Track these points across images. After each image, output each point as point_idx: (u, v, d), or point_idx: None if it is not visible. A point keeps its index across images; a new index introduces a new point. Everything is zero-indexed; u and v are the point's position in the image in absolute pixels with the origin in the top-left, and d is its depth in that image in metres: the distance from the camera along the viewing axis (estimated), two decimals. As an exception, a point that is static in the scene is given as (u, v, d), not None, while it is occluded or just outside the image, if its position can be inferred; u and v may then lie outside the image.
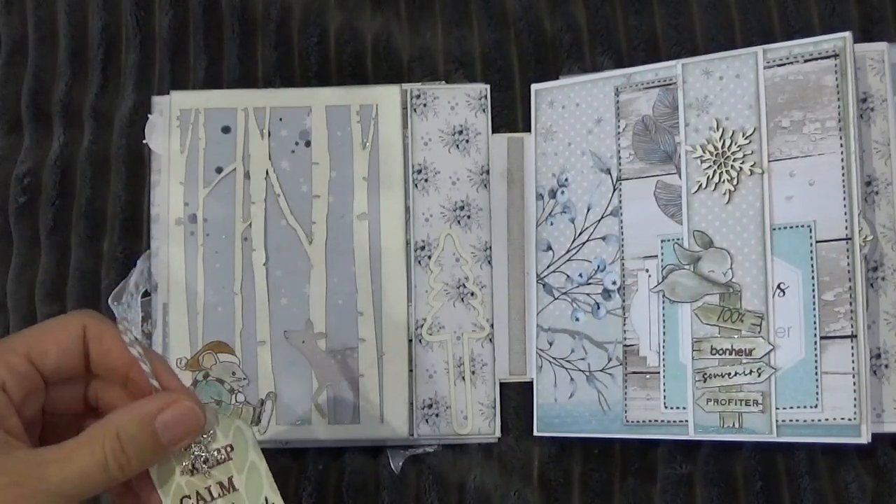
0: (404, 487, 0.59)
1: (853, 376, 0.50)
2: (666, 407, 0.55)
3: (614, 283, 0.57)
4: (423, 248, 0.60)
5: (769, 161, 0.53)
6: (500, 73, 0.62)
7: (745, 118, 0.54)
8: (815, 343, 0.51)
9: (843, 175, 0.52)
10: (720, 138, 0.55)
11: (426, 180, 0.60)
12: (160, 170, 0.61)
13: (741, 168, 0.54)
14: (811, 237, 0.52)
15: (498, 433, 0.59)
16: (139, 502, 0.41)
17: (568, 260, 0.59)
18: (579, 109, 0.59)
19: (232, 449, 0.41)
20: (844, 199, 0.51)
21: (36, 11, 0.65)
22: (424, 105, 0.61)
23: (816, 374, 0.51)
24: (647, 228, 0.56)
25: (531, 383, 0.59)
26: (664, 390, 0.55)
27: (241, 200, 0.60)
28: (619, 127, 0.58)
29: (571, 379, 0.58)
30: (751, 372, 0.52)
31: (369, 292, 0.59)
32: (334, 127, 0.61)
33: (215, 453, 0.41)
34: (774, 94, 0.54)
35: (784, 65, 0.54)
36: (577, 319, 0.58)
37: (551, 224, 0.59)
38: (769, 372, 0.52)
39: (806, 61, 0.53)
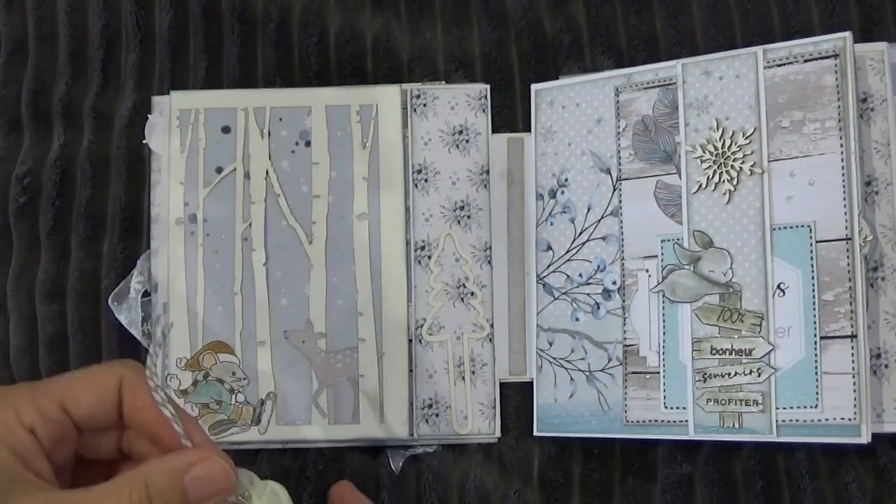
0: (404, 487, 0.59)
1: (853, 376, 0.50)
2: (666, 407, 0.55)
3: (614, 283, 0.57)
4: (423, 248, 0.60)
5: (769, 161, 0.53)
6: (500, 73, 0.62)
7: (745, 118, 0.54)
8: (815, 343, 0.51)
9: (843, 175, 0.52)
10: (720, 138, 0.55)
11: (426, 180, 0.60)
12: (160, 170, 0.61)
13: (741, 168, 0.54)
14: (811, 237, 0.52)
15: (498, 433, 0.59)
16: None
17: (568, 260, 0.59)
18: (579, 109, 0.59)
19: None
20: (844, 199, 0.51)
21: (36, 11, 0.65)
22: (424, 105, 0.61)
23: (816, 374, 0.51)
24: (647, 228, 0.56)
25: (531, 383, 0.59)
26: (664, 390, 0.55)
27: (241, 200, 0.60)
28: (619, 127, 0.58)
29: (571, 379, 0.58)
30: (751, 372, 0.52)
31: (369, 292, 0.59)
32: (334, 127, 0.61)
33: None
34: (774, 94, 0.54)
35: (784, 65, 0.54)
36: (577, 319, 0.58)
37: (551, 224, 0.59)
38: (769, 372, 0.52)
39: (806, 61, 0.53)
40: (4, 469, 0.37)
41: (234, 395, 0.59)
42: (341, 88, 0.61)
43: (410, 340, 0.59)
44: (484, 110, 0.61)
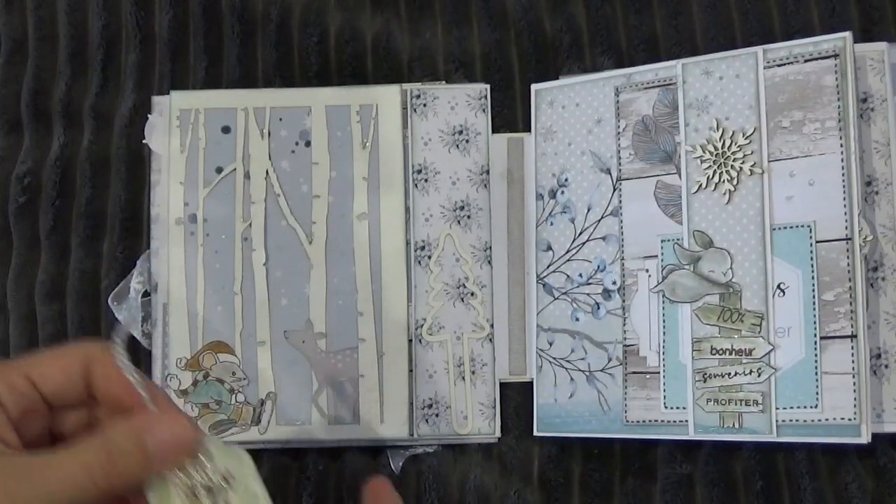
0: (404, 487, 0.58)
1: (853, 376, 0.50)
2: (666, 407, 0.55)
3: (614, 283, 0.57)
4: (423, 248, 0.60)
5: (769, 161, 0.53)
6: (500, 73, 0.62)
7: (745, 118, 0.54)
8: (815, 343, 0.51)
9: (843, 175, 0.52)
10: (720, 138, 0.55)
11: (426, 180, 0.60)
12: (160, 170, 0.61)
13: (741, 168, 0.54)
14: (811, 237, 0.52)
15: (498, 433, 0.59)
16: None
17: (568, 260, 0.59)
18: (579, 109, 0.59)
19: (232, 477, 0.40)
20: (844, 199, 0.51)
21: (36, 11, 0.65)
22: (424, 105, 0.61)
23: (816, 374, 0.51)
24: (647, 228, 0.56)
25: (531, 383, 0.59)
26: (664, 390, 0.55)
27: (241, 200, 0.60)
28: (619, 127, 0.58)
29: (571, 379, 0.58)
30: (751, 372, 0.52)
31: (369, 292, 0.59)
32: (334, 127, 0.61)
33: (214, 480, 0.40)
34: (774, 94, 0.54)
35: (784, 65, 0.54)
36: (577, 319, 0.58)
37: (551, 224, 0.59)
38: (769, 372, 0.52)
39: (806, 61, 0.53)
40: None
41: (234, 395, 0.59)
42: (341, 88, 0.61)
43: (410, 340, 0.59)
44: (484, 110, 0.61)
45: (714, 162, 0.55)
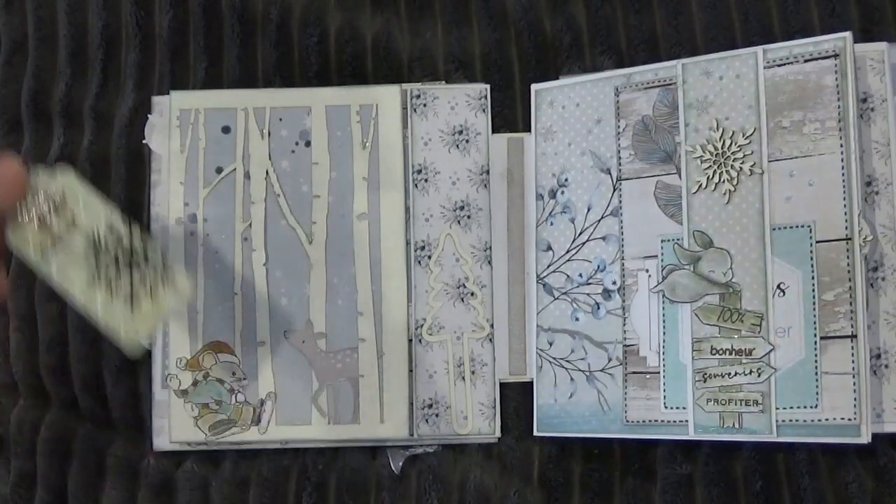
0: (404, 487, 0.59)
1: (853, 376, 0.50)
2: (666, 407, 0.55)
3: (614, 283, 0.57)
4: (423, 248, 0.60)
5: (769, 161, 0.53)
6: (500, 73, 0.62)
7: (745, 118, 0.54)
8: (815, 343, 0.51)
9: (843, 175, 0.52)
10: (720, 138, 0.55)
11: (426, 180, 0.60)
12: (160, 170, 0.61)
13: (741, 168, 0.54)
14: (811, 237, 0.52)
15: (498, 433, 0.59)
16: None
17: (568, 260, 0.59)
18: (579, 109, 0.59)
19: (64, 193, 0.47)
20: (844, 199, 0.51)
21: (36, 11, 0.65)
22: (424, 105, 0.61)
23: (816, 374, 0.51)
24: (647, 228, 0.56)
25: (531, 383, 0.59)
26: (664, 390, 0.55)
27: (241, 200, 0.60)
28: (619, 127, 0.58)
29: (571, 379, 0.58)
30: (751, 372, 0.52)
31: (369, 292, 0.59)
32: (334, 127, 0.61)
33: (55, 201, 0.47)
34: (774, 94, 0.54)
35: (784, 65, 0.54)
36: (577, 319, 0.58)
37: (551, 224, 0.59)
38: (769, 372, 0.52)
39: (806, 61, 0.53)
40: None
41: (234, 395, 0.59)
42: (341, 88, 0.61)
43: (410, 340, 0.59)
44: (484, 110, 0.61)
45: (714, 162, 0.55)
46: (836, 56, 0.52)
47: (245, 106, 0.61)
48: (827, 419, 0.50)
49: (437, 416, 0.59)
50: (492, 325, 0.60)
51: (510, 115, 0.62)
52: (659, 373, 0.55)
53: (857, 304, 0.51)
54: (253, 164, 0.60)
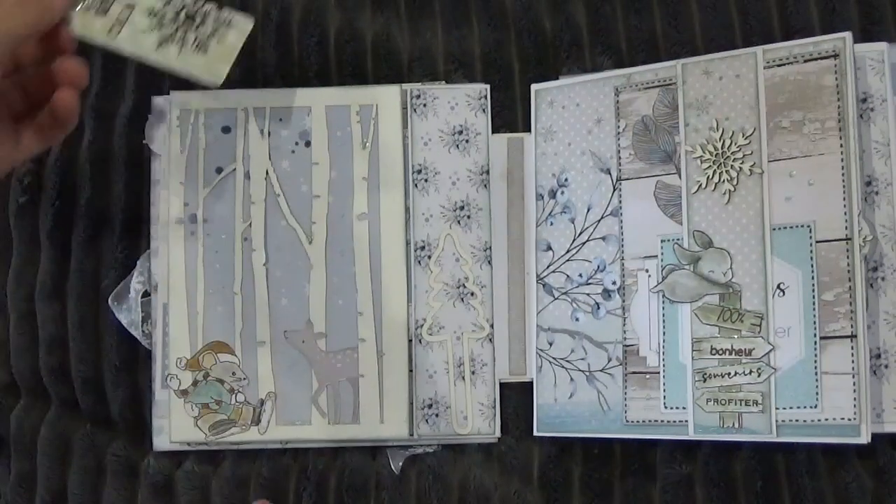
0: (404, 487, 0.59)
1: (853, 376, 0.50)
2: (666, 407, 0.55)
3: (614, 283, 0.57)
4: (423, 248, 0.60)
5: (769, 161, 0.53)
6: (500, 73, 0.62)
7: (744, 118, 0.54)
8: (815, 343, 0.51)
9: (842, 175, 0.52)
10: (720, 138, 0.55)
11: (426, 180, 0.60)
12: (160, 170, 0.61)
13: (741, 168, 0.54)
14: (811, 237, 0.52)
15: (498, 433, 0.59)
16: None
17: (568, 260, 0.59)
18: (579, 109, 0.59)
19: None
20: (844, 199, 0.51)
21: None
22: (424, 105, 0.61)
23: (816, 374, 0.51)
24: (647, 228, 0.56)
25: (531, 383, 0.59)
26: (664, 390, 0.55)
27: (241, 200, 0.60)
28: (619, 127, 0.58)
29: (571, 379, 0.58)
30: (751, 372, 0.52)
31: (369, 292, 0.59)
32: (334, 127, 0.61)
33: None
34: (774, 94, 0.54)
35: (784, 65, 0.54)
36: (577, 319, 0.58)
37: (551, 224, 0.59)
38: (769, 372, 0.52)
39: (806, 61, 0.53)
40: None
41: (234, 395, 0.59)
42: (341, 88, 0.61)
43: (410, 340, 0.59)
44: (484, 110, 0.61)
45: (714, 162, 0.55)
46: (835, 56, 0.52)
47: (245, 106, 0.61)
48: (827, 419, 0.50)
49: (436, 416, 0.59)
50: (492, 325, 0.60)
51: (510, 115, 0.62)
52: (659, 373, 0.55)
53: (856, 304, 0.51)
54: (253, 164, 0.60)
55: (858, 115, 0.53)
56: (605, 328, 0.57)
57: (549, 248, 0.59)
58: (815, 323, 0.51)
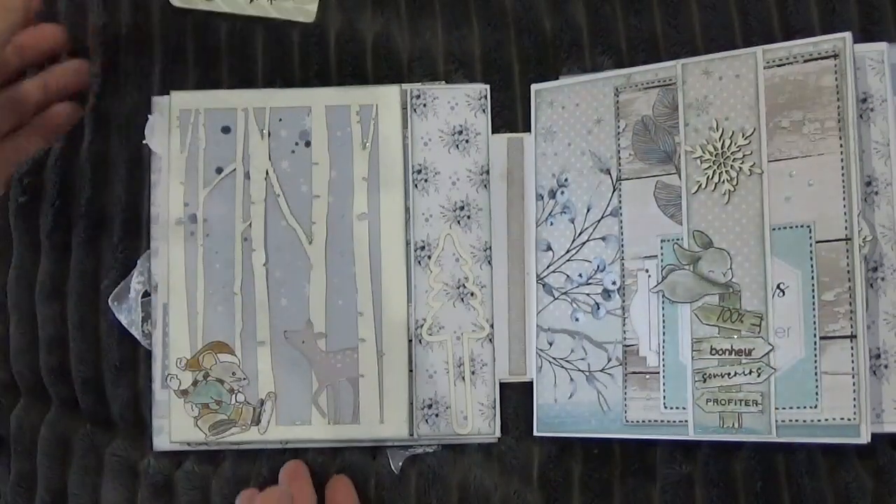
0: (404, 487, 0.59)
1: (853, 376, 0.50)
2: (666, 407, 0.55)
3: (614, 283, 0.57)
4: (423, 248, 0.60)
5: (768, 161, 0.53)
6: (500, 73, 0.62)
7: (744, 118, 0.54)
8: (815, 343, 0.51)
9: (842, 175, 0.52)
10: (720, 138, 0.55)
11: (426, 180, 0.60)
12: (160, 170, 0.61)
13: (740, 168, 0.54)
14: (811, 237, 0.52)
15: (498, 433, 0.59)
16: None
17: (568, 260, 0.59)
18: (579, 109, 0.59)
19: None
20: (844, 199, 0.51)
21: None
22: (424, 105, 0.61)
23: (816, 374, 0.51)
24: (647, 228, 0.56)
25: (531, 383, 0.59)
26: (664, 390, 0.55)
27: (241, 200, 0.60)
28: (618, 127, 0.58)
29: (571, 379, 0.58)
30: (750, 372, 0.52)
31: (369, 292, 0.59)
32: (334, 127, 0.61)
33: None
34: (774, 95, 0.54)
35: (784, 65, 0.54)
36: (577, 319, 0.58)
37: (551, 224, 0.60)
38: (769, 372, 0.52)
39: (806, 61, 0.53)
40: None
41: (234, 395, 0.59)
42: (341, 88, 0.61)
43: (410, 340, 0.59)
44: (484, 110, 0.61)
45: (713, 162, 0.55)
46: (835, 56, 0.52)
47: (245, 106, 0.61)
48: (826, 419, 0.50)
49: (436, 416, 0.59)
50: (492, 325, 0.60)
51: (510, 115, 0.62)
52: (659, 373, 0.55)
53: (856, 304, 0.51)
54: (253, 165, 0.60)
55: (858, 116, 0.53)
56: (604, 328, 0.57)
57: (549, 248, 0.59)
58: (814, 323, 0.51)
